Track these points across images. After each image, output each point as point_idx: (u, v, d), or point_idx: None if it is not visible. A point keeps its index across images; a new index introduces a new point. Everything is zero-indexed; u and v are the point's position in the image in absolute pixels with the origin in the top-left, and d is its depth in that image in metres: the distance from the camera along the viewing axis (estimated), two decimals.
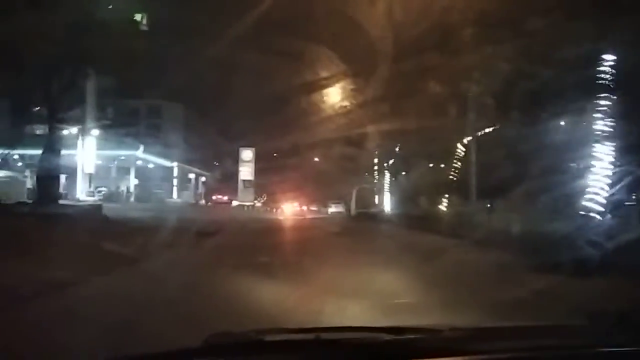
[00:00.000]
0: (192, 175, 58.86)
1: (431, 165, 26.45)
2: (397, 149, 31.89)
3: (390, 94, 25.96)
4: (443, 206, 23.54)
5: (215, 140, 66.51)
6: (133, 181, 55.53)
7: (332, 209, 43.69)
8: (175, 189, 58.53)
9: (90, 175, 40.08)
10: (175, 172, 60.19)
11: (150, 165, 57.71)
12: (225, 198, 55.09)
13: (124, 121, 65.28)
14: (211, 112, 76.13)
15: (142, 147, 47.67)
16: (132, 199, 52.73)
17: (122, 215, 26.44)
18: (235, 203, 54.28)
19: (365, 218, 29.86)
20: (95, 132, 39.76)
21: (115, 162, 50.95)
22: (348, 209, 40.23)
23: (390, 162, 32.91)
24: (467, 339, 1.67)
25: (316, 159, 67.67)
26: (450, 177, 23.78)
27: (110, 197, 47.63)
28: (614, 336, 1.73)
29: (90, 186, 41.37)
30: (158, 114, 68.08)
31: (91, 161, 39.71)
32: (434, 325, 1.79)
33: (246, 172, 54.08)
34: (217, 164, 65.03)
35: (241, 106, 77.23)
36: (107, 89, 64.35)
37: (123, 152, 46.77)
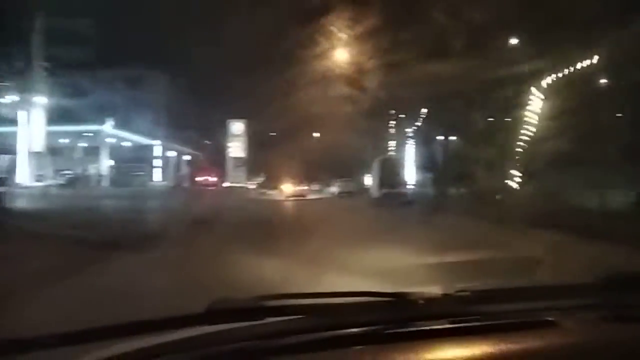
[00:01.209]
0: (172, 154, 50.38)
1: (485, 124, 17.80)
2: (424, 111, 23.53)
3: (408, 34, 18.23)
4: (513, 182, 15.18)
5: (204, 115, 58.08)
6: (105, 162, 47.28)
7: (337, 188, 35.00)
8: (157, 171, 50.24)
9: (39, 154, 31.76)
10: (157, 152, 51.83)
11: (128, 144, 49.35)
12: (213, 179, 46.82)
13: (96, 93, 57.24)
14: (200, 83, 67.31)
15: (110, 122, 39.16)
16: (104, 182, 44.62)
17: (42, 208, 18.58)
18: (226, 184, 45.77)
19: (401, 204, 19.08)
20: (43, 102, 31.25)
21: (82, 141, 42.54)
22: (361, 188, 32.16)
23: (417, 124, 24.53)
24: (476, 301, 1.57)
25: (317, 134, 60.06)
26: (519, 141, 15.41)
27: (73, 181, 39.55)
28: (630, 294, 1.60)
29: (40, 168, 33.08)
30: (138, 84, 59.21)
31: (39, 138, 31.37)
32: (441, 289, 1.59)
33: (236, 148, 45.65)
34: (208, 142, 56.62)
35: (233, 75, 68.25)
36: (76, 55, 56.87)
37: (86, 128, 38.29)
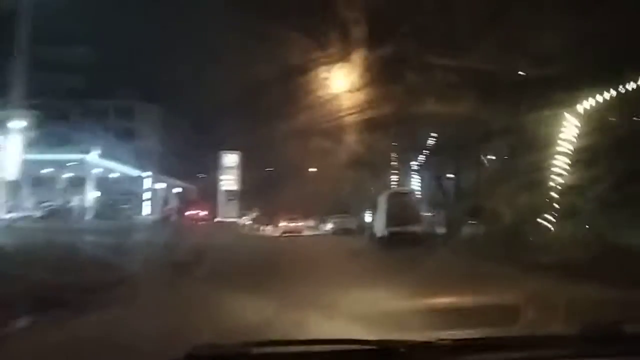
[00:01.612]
0: (161, 187, 47.91)
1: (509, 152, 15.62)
2: (432, 139, 21.48)
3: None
4: (546, 219, 12.94)
5: (197, 147, 56.02)
6: (91, 194, 44.71)
7: (333, 225, 32.34)
8: (146, 204, 47.65)
9: (13, 183, 29.31)
10: (146, 184, 49.34)
11: (115, 175, 46.95)
12: (204, 213, 44.26)
13: (84, 122, 55.24)
14: (193, 115, 65.67)
15: (96, 151, 36.84)
16: (87, 215, 41.93)
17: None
18: (218, 219, 43.13)
19: (411, 246, 15.68)
20: (19, 126, 29.03)
21: (67, 171, 40.03)
22: (362, 226, 29.81)
23: (424, 154, 22.39)
24: (457, 351, 1.58)
25: (314, 168, 58.04)
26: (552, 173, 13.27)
27: (53, 213, 36.91)
28: (608, 346, 1.64)
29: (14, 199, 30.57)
30: (129, 115, 57.36)
31: (13, 166, 28.97)
32: (423, 337, 1.63)
33: (229, 181, 43.31)
34: (200, 175, 54.27)
35: (227, 109, 66.92)
36: (65, 83, 55.02)
37: (70, 157, 35.94)
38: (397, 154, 28.78)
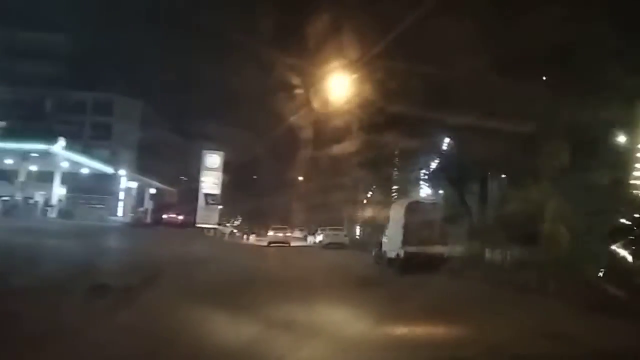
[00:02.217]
0: (134, 186, 43.69)
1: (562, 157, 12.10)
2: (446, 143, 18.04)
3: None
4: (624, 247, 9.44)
5: (176, 146, 52.10)
6: (58, 191, 40.43)
7: (324, 237, 28.60)
8: (117, 204, 43.47)
9: None
10: (119, 182, 45.09)
11: (85, 171, 42.69)
12: (181, 217, 40.21)
13: (63, 116, 51.05)
14: (175, 112, 61.80)
15: (61, 142, 32.73)
16: (51, 213, 37.62)
17: None
18: (198, 225, 39.02)
19: (437, 272, 11.93)
20: None
21: (32, 163, 35.71)
22: (352, 240, 26.40)
23: (438, 161, 18.82)
24: None
25: (301, 176, 54.44)
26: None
27: (9, 210, 32.68)
28: None
29: None
30: (108, 110, 53.21)
31: None
32: None
33: (210, 183, 39.36)
34: (178, 175, 50.24)
35: (212, 107, 62.93)
36: (37, 71, 50.73)
37: (32, 147, 31.80)
38: (401, 160, 25.34)
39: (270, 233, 33.59)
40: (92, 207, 48.28)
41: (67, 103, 51.54)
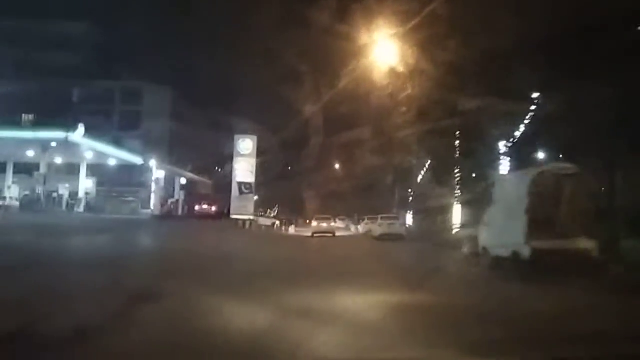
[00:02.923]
0: (162, 176, 40.32)
1: None
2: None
3: None
4: None
5: (207, 133, 48.53)
6: (84, 183, 37.60)
7: (379, 228, 23.65)
8: (145, 196, 40.37)
9: None
10: (147, 173, 41.77)
11: (115, 162, 39.69)
12: (213, 209, 36.73)
13: (90, 106, 48.40)
14: (207, 98, 58.29)
15: (81, 129, 29.59)
16: (78, 208, 34.79)
17: None
18: (232, 216, 35.31)
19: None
20: None
21: (49, 155, 32.74)
22: (404, 230, 22.09)
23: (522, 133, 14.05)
24: None
25: (342, 161, 50.12)
26: None
27: (29, 204, 29.89)
28: None
29: None
30: (137, 99, 50.27)
31: None
32: None
33: (244, 170, 35.61)
34: (210, 164, 46.87)
35: (245, 90, 59.15)
36: (64, 60, 48.12)
37: (47, 135, 28.77)
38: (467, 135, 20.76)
39: (315, 223, 30.71)
40: (124, 200, 45.61)
41: (94, 93, 48.90)
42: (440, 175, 24.05)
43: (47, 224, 20.94)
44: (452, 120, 18.12)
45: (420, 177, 30.71)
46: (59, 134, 28.63)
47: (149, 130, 48.59)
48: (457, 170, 23.51)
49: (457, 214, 23.37)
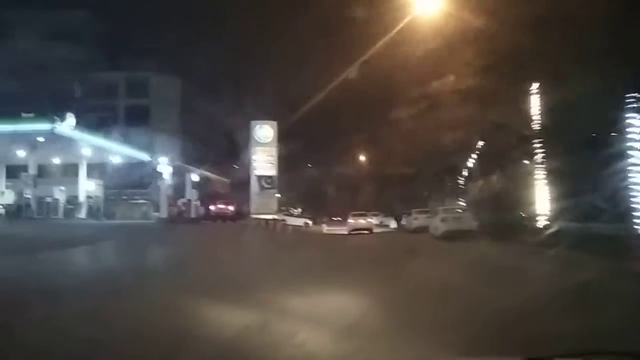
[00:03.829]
0: (170, 174, 35.12)
1: None
2: None
3: None
4: None
5: (226, 127, 43.35)
6: (85, 185, 32.82)
7: (441, 222, 17.64)
8: (154, 197, 35.47)
9: None
10: (165, 173, 36.67)
11: (120, 161, 34.89)
12: (230, 208, 31.61)
13: (93, 101, 43.74)
14: (219, 88, 52.94)
15: (71, 119, 24.71)
16: (78, 213, 30.11)
17: None
18: (253, 216, 30.06)
19: None
20: None
21: (39, 153, 27.92)
22: (475, 225, 16.39)
23: None
24: None
25: (364, 155, 44.56)
26: None
27: (14, 213, 25.23)
28: None
29: None
30: (143, 90, 45.37)
31: None
32: None
33: (263, 162, 30.40)
34: (224, 159, 41.68)
35: (261, 75, 53.62)
36: (66, 52, 43.48)
37: (28, 127, 23.93)
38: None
39: (351, 220, 26.73)
40: (134, 203, 40.90)
41: (95, 86, 44.12)
42: (509, 151, 18.59)
43: (25, 236, 15.99)
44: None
45: (473, 161, 25.28)
46: (43, 126, 23.72)
47: (156, 124, 43.67)
48: (539, 142, 18.09)
49: (543, 202, 17.87)
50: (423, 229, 21.54)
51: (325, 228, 31.85)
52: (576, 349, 1.46)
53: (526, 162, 19.35)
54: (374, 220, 29.42)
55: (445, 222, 17.90)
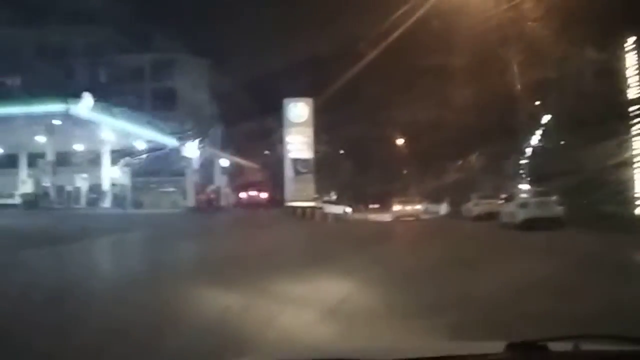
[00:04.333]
0: (197, 159, 32.43)
1: None
2: None
3: None
4: None
5: (248, 107, 40.45)
6: (110, 172, 30.52)
7: (523, 207, 14.13)
8: (179, 184, 32.93)
9: None
10: (194, 159, 34.03)
11: (145, 146, 32.56)
12: (263, 195, 28.90)
13: (118, 85, 41.60)
14: (250, 67, 49.50)
15: (88, 99, 22.21)
16: (102, 203, 27.94)
17: None
18: (292, 204, 26.94)
19: None
20: None
21: (57, 138, 25.57)
22: (561, 212, 12.96)
23: None
24: None
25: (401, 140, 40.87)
26: None
27: (32, 203, 23.04)
28: None
29: None
30: (169, 73, 42.89)
31: None
32: None
33: (298, 143, 27.44)
34: (254, 141, 38.80)
35: (294, 52, 49.96)
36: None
37: (41, 109, 21.56)
38: None
39: (397, 207, 25.23)
40: (163, 191, 38.74)
41: (119, 69, 41.96)
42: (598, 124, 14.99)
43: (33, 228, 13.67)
44: None
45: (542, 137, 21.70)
46: (56, 107, 21.31)
47: (183, 108, 41.22)
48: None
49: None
50: (488, 216, 18.35)
51: (369, 216, 28.90)
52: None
53: (621, 136, 15.80)
54: (420, 207, 26.78)
55: (526, 208, 14.52)
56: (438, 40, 20.31)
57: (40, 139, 24.77)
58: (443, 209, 28.57)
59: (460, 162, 31.34)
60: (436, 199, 31.58)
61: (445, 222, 23.11)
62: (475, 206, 20.63)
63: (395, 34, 19.45)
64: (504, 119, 22.66)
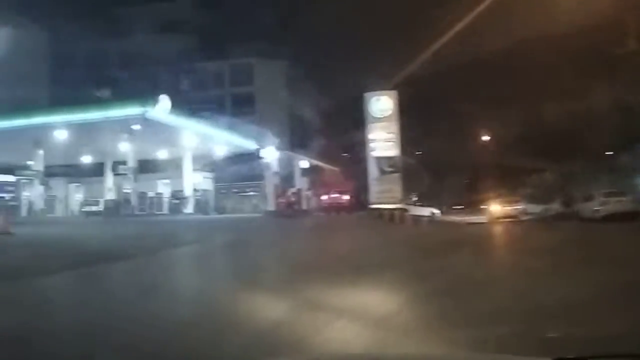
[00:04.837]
0: (275, 162, 30.72)
1: None
2: None
3: None
4: None
5: (337, 110, 38.41)
6: (192, 178, 29.91)
7: None
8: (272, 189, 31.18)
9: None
10: (274, 163, 32.55)
11: (226, 151, 31.77)
12: (345, 197, 26.72)
13: (198, 92, 41.54)
14: (329, 64, 47.42)
15: (165, 102, 21.30)
16: (185, 208, 27.29)
17: None
18: (377, 206, 24.40)
19: None
20: None
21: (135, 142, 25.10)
22: None
23: None
24: None
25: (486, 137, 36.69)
26: None
27: (113, 210, 22.59)
28: None
29: None
30: (248, 78, 42.19)
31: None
32: None
33: (382, 140, 24.95)
34: (333, 141, 36.73)
35: (375, 48, 47.19)
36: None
37: (117, 113, 20.93)
38: None
39: (495, 208, 23.82)
40: (245, 196, 37.93)
41: (201, 77, 41.92)
42: None
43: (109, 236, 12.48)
44: None
45: None
46: (132, 110, 20.56)
47: (262, 111, 40.22)
48: None
49: None
50: (622, 217, 14.83)
51: (457, 218, 25.82)
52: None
53: None
54: (520, 207, 24.10)
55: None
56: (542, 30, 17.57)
57: (122, 145, 24.37)
58: (551, 208, 24.61)
59: (561, 161, 27.37)
60: (535, 198, 27.71)
61: (567, 226, 18.77)
62: (602, 205, 16.91)
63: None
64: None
